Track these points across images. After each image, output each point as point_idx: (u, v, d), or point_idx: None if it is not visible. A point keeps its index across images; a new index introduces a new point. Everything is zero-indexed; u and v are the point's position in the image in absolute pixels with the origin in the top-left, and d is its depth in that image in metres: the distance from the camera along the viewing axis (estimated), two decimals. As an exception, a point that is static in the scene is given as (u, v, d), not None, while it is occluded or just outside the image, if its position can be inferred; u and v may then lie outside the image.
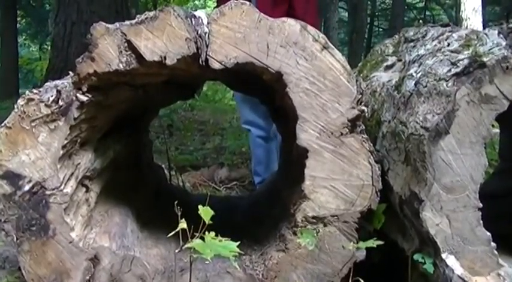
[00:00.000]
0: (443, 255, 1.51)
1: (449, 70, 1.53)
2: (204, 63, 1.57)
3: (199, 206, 1.39)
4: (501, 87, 1.44)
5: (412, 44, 2.02)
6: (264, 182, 3.22)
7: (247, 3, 1.57)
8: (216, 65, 1.56)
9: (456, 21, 8.72)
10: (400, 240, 1.72)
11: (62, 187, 1.62)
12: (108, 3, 5.81)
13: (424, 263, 1.56)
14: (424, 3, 19.34)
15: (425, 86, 1.57)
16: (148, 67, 1.60)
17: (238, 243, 1.40)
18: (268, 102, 2.26)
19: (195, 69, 1.65)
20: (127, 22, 1.58)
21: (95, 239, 1.77)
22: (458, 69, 1.50)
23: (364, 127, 1.64)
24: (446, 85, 1.49)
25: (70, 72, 1.63)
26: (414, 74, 1.70)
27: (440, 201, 1.49)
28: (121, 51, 1.56)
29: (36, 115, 1.58)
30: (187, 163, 4.46)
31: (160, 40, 1.55)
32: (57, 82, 1.66)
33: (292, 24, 1.57)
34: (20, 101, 1.59)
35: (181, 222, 1.38)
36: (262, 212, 2.22)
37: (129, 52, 1.57)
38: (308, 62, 1.57)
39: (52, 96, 1.59)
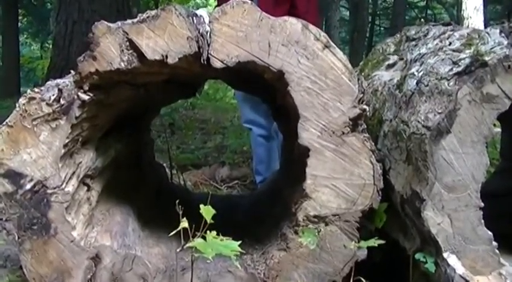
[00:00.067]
0: (445, 255, 1.51)
1: (451, 69, 1.53)
2: (205, 62, 1.57)
3: (201, 205, 1.40)
4: (503, 86, 1.44)
5: (413, 42, 2.01)
6: (265, 181, 3.22)
7: (249, 2, 1.57)
8: (217, 64, 1.56)
9: (457, 20, 8.70)
10: (402, 239, 1.72)
11: (63, 186, 1.62)
12: (110, 2, 5.80)
13: (426, 262, 1.56)
14: (425, 2, 19.32)
15: (427, 85, 1.56)
16: (149, 66, 1.60)
17: (239, 242, 1.40)
18: (270, 101, 2.26)
19: (196, 68, 1.65)
20: (129, 21, 1.58)
21: (96, 238, 1.77)
22: (459, 68, 1.50)
23: (365, 126, 1.64)
24: (448, 84, 1.49)
25: (71, 71, 1.63)
26: (416, 73, 1.70)
27: (441, 201, 1.49)
28: (122, 50, 1.56)
29: (38, 114, 1.58)
30: (188, 162, 4.47)
31: (162, 39, 1.55)
32: (59, 81, 1.66)
33: (293, 23, 1.57)
34: (22, 100, 1.59)
35: (182, 221, 1.38)
36: (263, 211, 2.22)
37: (130, 51, 1.57)
38: (309, 60, 1.57)
39: (53, 95, 1.59)
